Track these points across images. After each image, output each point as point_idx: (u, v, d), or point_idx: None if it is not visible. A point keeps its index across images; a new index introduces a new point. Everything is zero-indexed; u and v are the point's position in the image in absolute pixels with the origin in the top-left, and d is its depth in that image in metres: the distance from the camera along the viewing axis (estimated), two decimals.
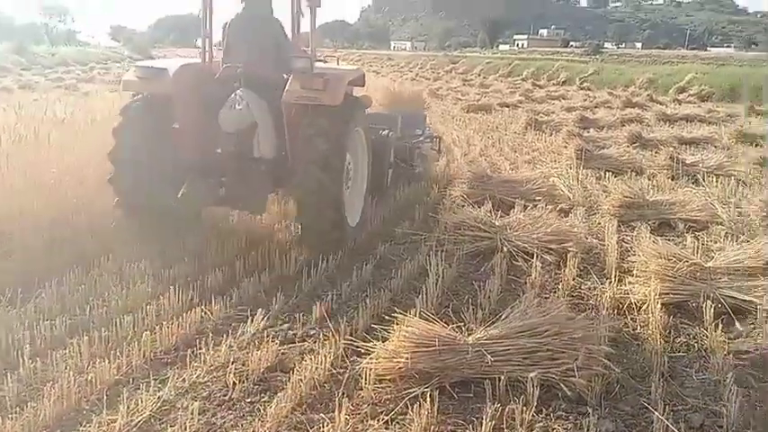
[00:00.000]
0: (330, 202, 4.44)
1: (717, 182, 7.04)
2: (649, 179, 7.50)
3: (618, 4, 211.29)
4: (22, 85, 19.90)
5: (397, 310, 3.41)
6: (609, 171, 7.73)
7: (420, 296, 3.82)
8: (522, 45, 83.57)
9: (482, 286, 4.15)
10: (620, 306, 3.95)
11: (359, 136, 5.12)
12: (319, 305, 3.78)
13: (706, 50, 66.07)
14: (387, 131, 6.15)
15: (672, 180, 7.47)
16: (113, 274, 4.16)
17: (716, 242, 5.04)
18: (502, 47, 78.66)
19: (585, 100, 18.81)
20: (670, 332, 3.63)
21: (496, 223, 5.09)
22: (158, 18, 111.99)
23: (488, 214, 5.42)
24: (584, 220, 5.63)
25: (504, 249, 4.74)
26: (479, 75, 33.92)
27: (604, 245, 5.05)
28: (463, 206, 5.52)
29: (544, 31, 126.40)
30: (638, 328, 3.70)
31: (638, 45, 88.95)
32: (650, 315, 3.74)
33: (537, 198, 6.16)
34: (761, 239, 4.65)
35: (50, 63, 33.61)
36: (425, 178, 7.27)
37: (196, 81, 4.82)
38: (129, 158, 4.47)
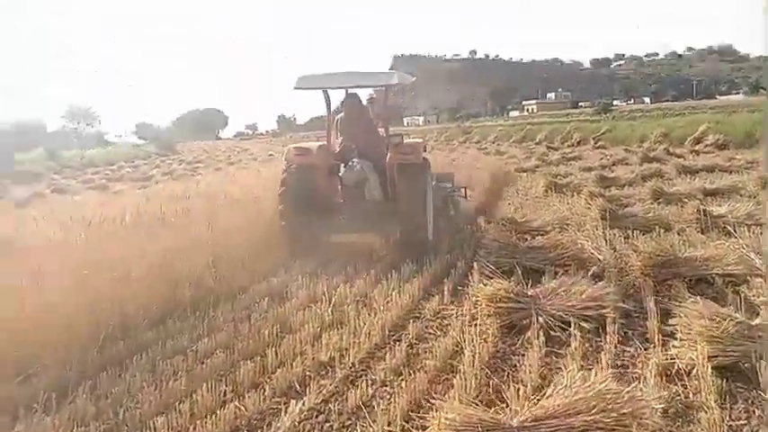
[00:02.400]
0: (420, 220, 6.86)
1: (749, 232, 6.86)
2: (679, 234, 7.32)
3: (621, 62, 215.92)
4: (55, 190, 20.78)
5: (435, 396, 3.30)
6: (636, 229, 7.59)
7: (457, 376, 3.70)
8: (532, 110, 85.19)
9: (521, 361, 4.02)
10: (668, 373, 3.75)
11: (428, 182, 7.35)
12: (354, 393, 3.68)
13: (715, 98, 66.45)
14: None
15: (702, 234, 7.29)
16: (147, 373, 4.13)
17: (758, 296, 4.85)
18: (512, 113, 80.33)
19: (602, 159, 18.78)
20: (726, 398, 3.43)
21: (529, 293, 4.97)
22: (180, 114, 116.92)
23: (519, 284, 5.32)
24: (618, 282, 5.49)
25: (540, 320, 4.60)
26: (493, 142, 34.39)
27: (642, 307, 4.90)
28: (492, 277, 5.42)
29: (552, 95, 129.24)
30: (691, 395, 3.49)
31: (647, 100, 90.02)
32: (701, 380, 3.55)
33: (567, 263, 6.05)
34: None
35: (80, 166, 35.15)
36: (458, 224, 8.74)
37: (326, 155, 7.44)
38: (290, 211, 6.92)
